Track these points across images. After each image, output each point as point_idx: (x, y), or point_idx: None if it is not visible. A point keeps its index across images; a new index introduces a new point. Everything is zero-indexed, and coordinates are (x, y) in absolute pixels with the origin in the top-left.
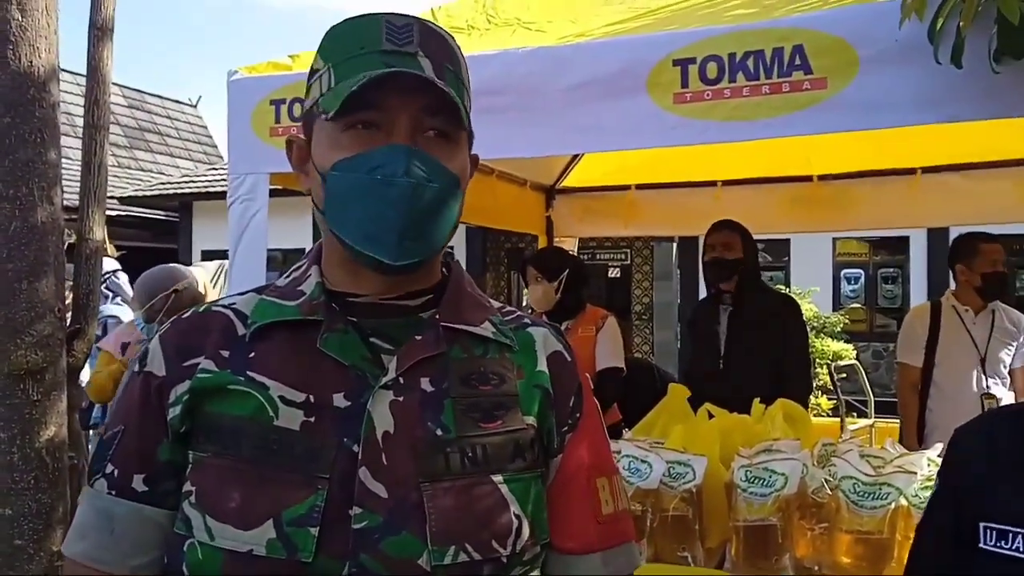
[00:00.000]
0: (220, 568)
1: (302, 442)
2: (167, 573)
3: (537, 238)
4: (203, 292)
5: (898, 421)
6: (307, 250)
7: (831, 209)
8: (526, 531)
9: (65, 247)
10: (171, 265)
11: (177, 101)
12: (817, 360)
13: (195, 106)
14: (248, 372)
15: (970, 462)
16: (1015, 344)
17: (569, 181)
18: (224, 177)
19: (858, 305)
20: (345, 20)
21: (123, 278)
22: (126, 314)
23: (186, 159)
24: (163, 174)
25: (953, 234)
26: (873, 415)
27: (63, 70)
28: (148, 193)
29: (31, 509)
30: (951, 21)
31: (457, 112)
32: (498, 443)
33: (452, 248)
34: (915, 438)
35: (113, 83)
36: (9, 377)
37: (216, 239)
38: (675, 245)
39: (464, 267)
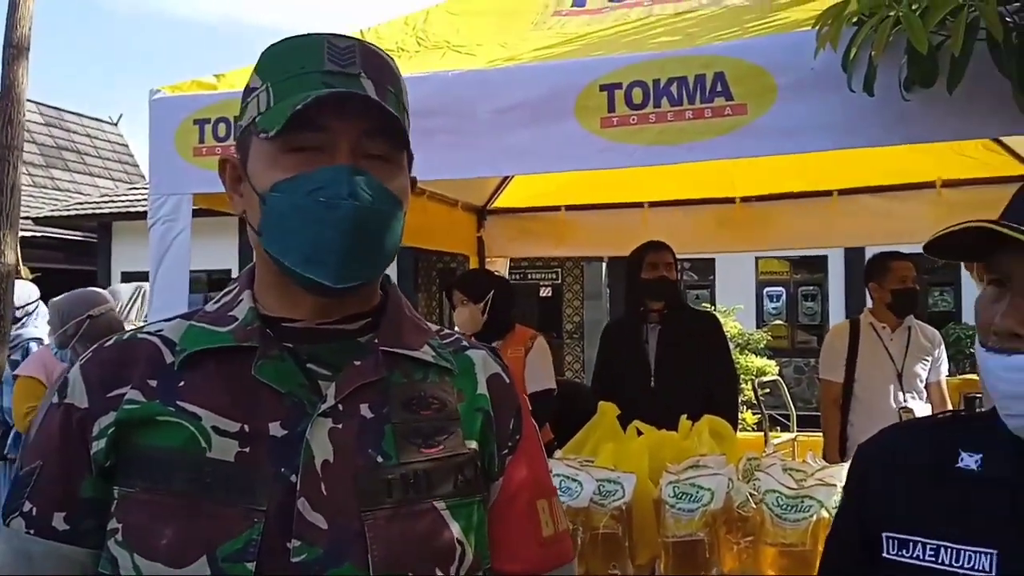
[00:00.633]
0: None
1: (237, 474)
2: None
3: (469, 258)
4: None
5: (820, 434)
6: (233, 272)
7: (753, 229)
8: (469, 556)
9: None
10: (89, 289)
11: (97, 119)
12: (742, 376)
13: (116, 124)
14: (178, 402)
15: (872, 475)
16: (930, 359)
17: (500, 202)
18: (146, 197)
19: (780, 322)
20: (284, 39)
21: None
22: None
23: (106, 178)
24: (81, 193)
25: (869, 254)
26: (795, 429)
27: None
28: (65, 213)
29: None
30: (863, 51)
31: (399, 134)
32: (440, 468)
33: None
34: (836, 451)
35: (31, 100)
36: None
37: (136, 260)
38: (604, 265)
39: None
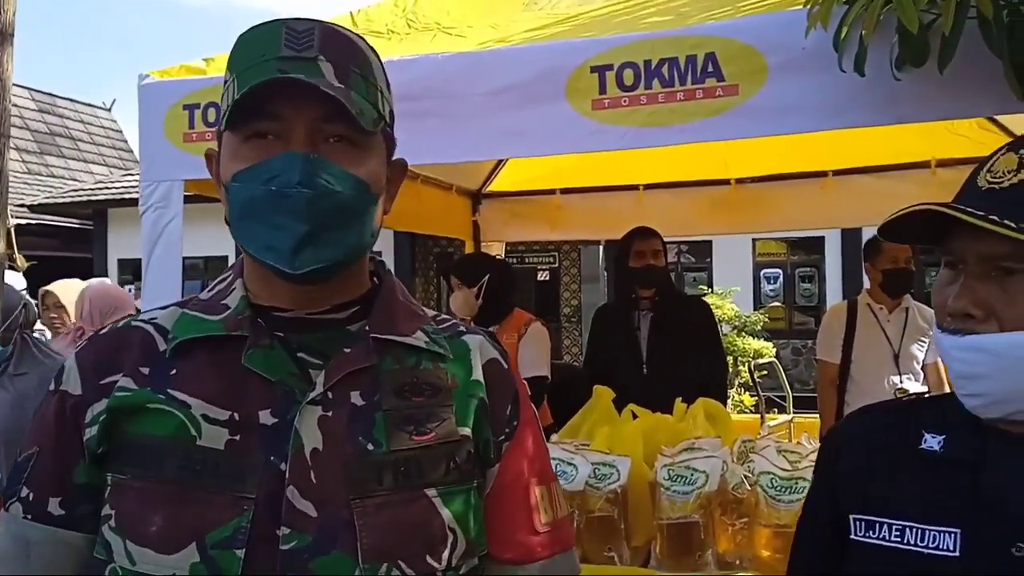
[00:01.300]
0: None
1: (227, 462)
2: None
3: (465, 243)
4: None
5: (817, 416)
6: (229, 259)
7: (748, 211)
8: (461, 544)
9: None
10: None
11: (91, 105)
12: (739, 358)
13: (109, 109)
14: (169, 390)
15: (840, 457)
16: (927, 340)
17: (495, 186)
18: None
19: (777, 304)
20: (251, 28)
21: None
22: None
23: (100, 164)
24: (76, 180)
25: (867, 235)
26: (792, 410)
27: None
28: (60, 200)
29: None
30: (854, 30)
31: (353, 119)
32: (432, 456)
33: (379, 253)
34: None
35: (23, 86)
36: None
37: (133, 247)
38: (601, 248)
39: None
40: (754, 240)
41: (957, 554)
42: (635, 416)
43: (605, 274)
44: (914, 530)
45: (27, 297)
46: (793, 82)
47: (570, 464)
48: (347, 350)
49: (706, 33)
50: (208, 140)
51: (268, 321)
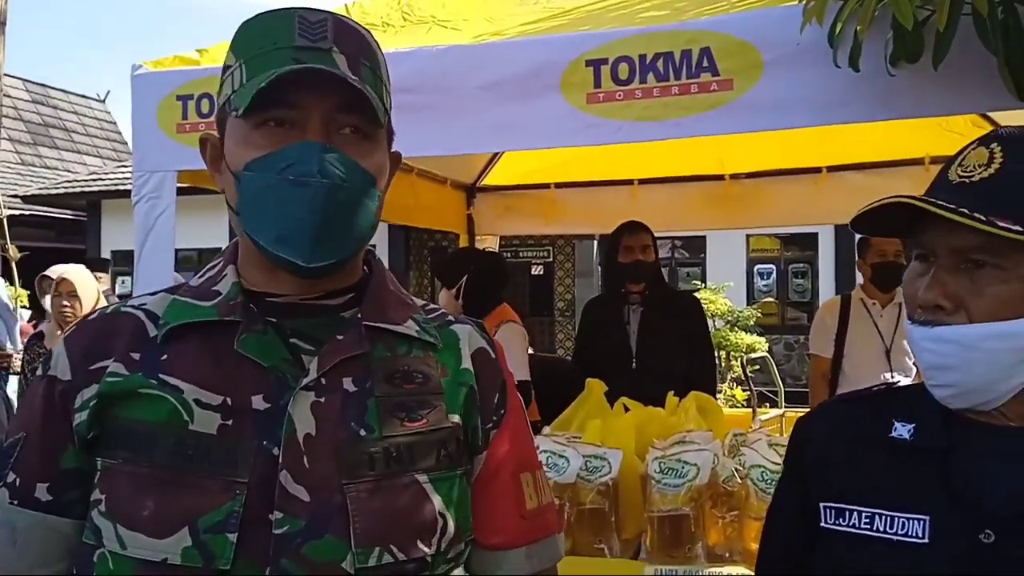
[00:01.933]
0: None
1: (219, 446)
2: None
3: (459, 236)
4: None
5: (808, 410)
6: (222, 250)
7: (742, 206)
8: (451, 529)
9: None
10: None
11: (84, 96)
12: (731, 353)
13: (103, 101)
14: (160, 375)
15: (809, 446)
16: None
17: (489, 179)
18: None
19: (770, 299)
20: (258, 15)
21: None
22: None
23: (94, 156)
24: (69, 171)
25: None
26: (784, 405)
27: None
28: (53, 191)
29: None
30: (849, 26)
31: (372, 109)
32: (422, 442)
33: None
34: None
35: (16, 77)
36: None
37: (126, 239)
38: (596, 243)
39: (387, 266)
40: (748, 236)
41: (926, 541)
42: (627, 409)
43: (599, 269)
44: (884, 517)
45: None
46: (788, 77)
47: (562, 456)
48: (340, 337)
49: (701, 28)
50: (202, 131)
51: (261, 306)
